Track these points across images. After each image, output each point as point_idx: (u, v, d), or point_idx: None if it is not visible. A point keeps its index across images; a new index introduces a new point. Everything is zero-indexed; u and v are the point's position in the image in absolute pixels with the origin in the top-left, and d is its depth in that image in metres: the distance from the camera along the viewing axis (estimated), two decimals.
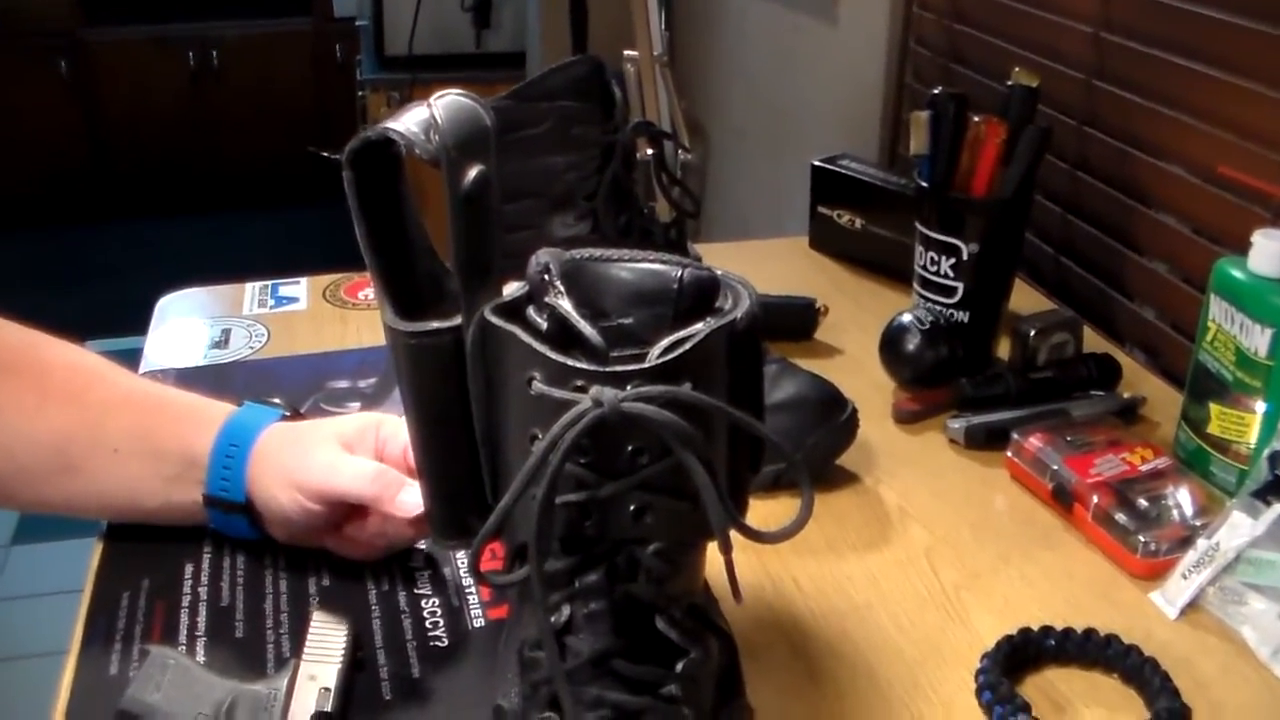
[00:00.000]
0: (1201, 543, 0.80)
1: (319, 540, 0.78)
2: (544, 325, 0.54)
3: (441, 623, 0.76)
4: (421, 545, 0.81)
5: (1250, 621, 0.77)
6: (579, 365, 0.51)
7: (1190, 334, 0.97)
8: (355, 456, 0.76)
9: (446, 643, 0.74)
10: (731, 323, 0.54)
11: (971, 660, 0.73)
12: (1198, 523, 0.84)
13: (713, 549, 0.55)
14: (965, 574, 0.83)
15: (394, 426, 0.79)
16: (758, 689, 0.65)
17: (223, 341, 1.14)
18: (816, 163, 1.35)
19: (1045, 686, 0.73)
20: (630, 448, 0.52)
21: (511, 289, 0.56)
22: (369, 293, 1.24)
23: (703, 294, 0.55)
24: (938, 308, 1.09)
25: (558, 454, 0.50)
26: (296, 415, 0.82)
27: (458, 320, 0.56)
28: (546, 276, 0.54)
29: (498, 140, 0.56)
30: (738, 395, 0.55)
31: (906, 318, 1.05)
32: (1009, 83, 1.08)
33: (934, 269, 1.08)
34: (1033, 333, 1.04)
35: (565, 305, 0.53)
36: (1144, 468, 0.88)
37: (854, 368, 1.09)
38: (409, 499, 0.74)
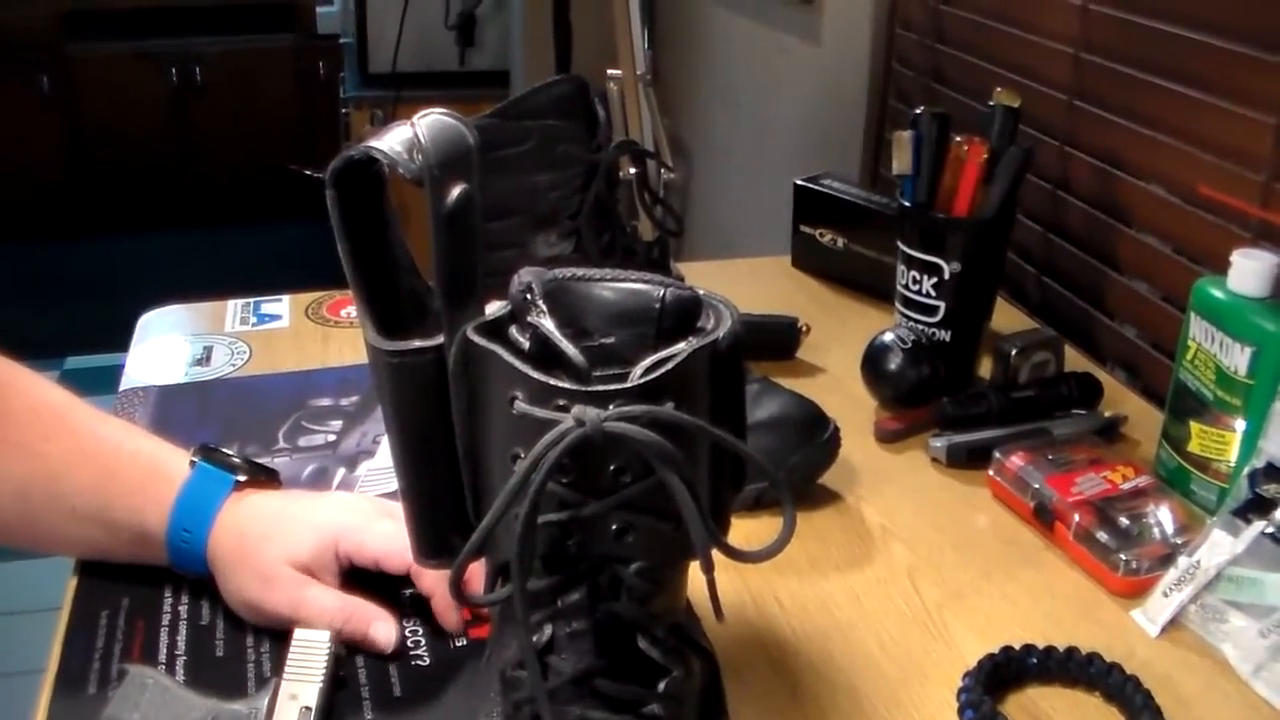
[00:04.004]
0: (1182, 561, 0.80)
1: None
2: (526, 344, 0.54)
3: (423, 641, 0.76)
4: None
5: (1231, 639, 0.77)
6: (561, 385, 0.51)
7: (1171, 353, 0.97)
8: (317, 589, 0.74)
9: (428, 661, 0.74)
10: (713, 342, 0.54)
11: (954, 679, 0.73)
12: (1178, 541, 0.84)
13: (695, 568, 0.55)
14: (947, 592, 0.83)
15: (354, 538, 0.75)
16: (740, 708, 0.65)
17: (204, 359, 1.13)
18: (799, 182, 1.35)
19: (1027, 705, 0.73)
20: (612, 467, 0.52)
21: (494, 308, 0.56)
22: (351, 311, 1.23)
23: (685, 313, 0.55)
24: (919, 327, 1.09)
25: (540, 473, 0.50)
26: (250, 473, 0.79)
27: (440, 339, 0.56)
28: (529, 296, 0.54)
29: (481, 159, 0.56)
30: (720, 415, 0.55)
31: (888, 337, 1.06)
32: (991, 103, 1.09)
33: (916, 288, 1.09)
34: (1014, 352, 1.05)
35: (547, 324, 0.53)
36: (1125, 486, 0.89)
37: (836, 387, 1.09)
38: (381, 634, 0.73)
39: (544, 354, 0.53)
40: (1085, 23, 1.19)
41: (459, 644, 0.76)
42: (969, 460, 0.97)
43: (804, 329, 1.16)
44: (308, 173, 3.33)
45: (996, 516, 0.92)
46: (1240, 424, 0.87)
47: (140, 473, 0.77)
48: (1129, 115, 1.14)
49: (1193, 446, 0.91)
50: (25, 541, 0.78)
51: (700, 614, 0.62)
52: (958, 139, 1.07)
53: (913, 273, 1.09)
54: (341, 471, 0.95)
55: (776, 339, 1.15)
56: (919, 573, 0.85)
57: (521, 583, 0.52)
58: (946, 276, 1.06)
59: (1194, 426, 0.91)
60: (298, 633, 0.71)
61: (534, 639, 0.54)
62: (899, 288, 1.11)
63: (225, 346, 1.16)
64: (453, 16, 3.05)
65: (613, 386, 0.51)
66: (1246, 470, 0.83)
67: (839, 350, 1.15)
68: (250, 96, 4.27)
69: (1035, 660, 0.74)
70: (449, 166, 0.55)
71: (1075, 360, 1.14)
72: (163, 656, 0.74)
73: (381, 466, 0.96)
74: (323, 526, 0.76)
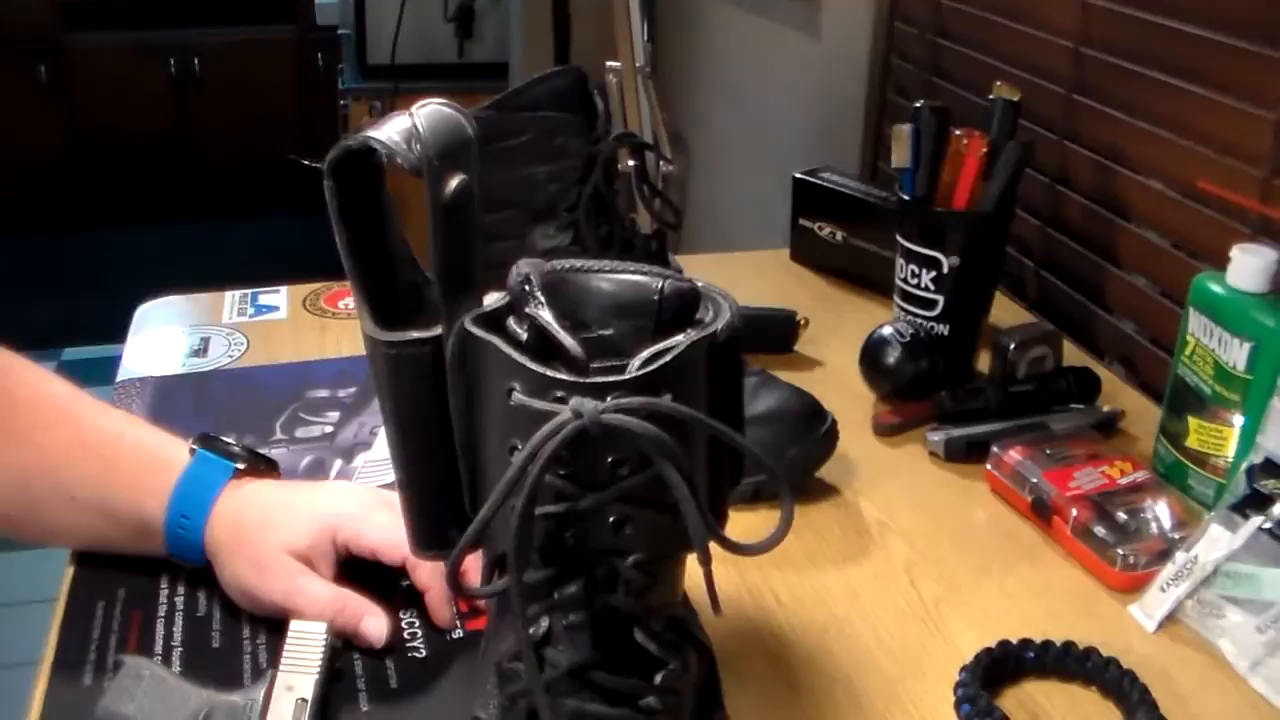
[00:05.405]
0: (1180, 556, 0.80)
1: None
2: (524, 336, 0.54)
3: (420, 634, 0.76)
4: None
5: (1228, 634, 0.77)
6: (559, 376, 0.51)
7: (1169, 348, 0.97)
8: (311, 579, 0.74)
9: (425, 654, 0.74)
10: (712, 335, 0.54)
11: (950, 673, 0.73)
12: (1176, 536, 0.84)
13: (692, 561, 0.55)
14: (945, 587, 0.83)
15: (353, 527, 0.75)
16: (736, 702, 0.65)
17: (202, 350, 1.13)
18: (798, 175, 1.35)
19: (1024, 699, 0.73)
20: (610, 459, 0.52)
21: (492, 299, 0.56)
22: (349, 302, 1.23)
23: (683, 306, 0.55)
24: (918, 320, 1.09)
25: (537, 465, 0.50)
26: (250, 461, 0.79)
27: (438, 330, 0.56)
28: (527, 287, 0.54)
29: (480, 150, 0.56)
30: (718, 407, 0.55)
31: (887, 330, 1.06)
32: (990, 97, 1.09)
33: (915, 282, 1.08)
34: (1012, 346, 1.05)
35: (546, 316, 0.53)
36: (1123, 481, 0.89)
37: (834, 380, 1.09)
38: (373, 628, 0.73)
39: (542, 345, 0.53)
40: (1085, 17, 1.19)
41: (455, 636, 0.76)
42: (967, 454, 0.97)
43: (802, 322, 1.15)
44: (306, 163, 3.33)
45: (994, 511, 0.92)
46: (1238, 419, 0.87)
47: (140, 462, 0.77)
48: (1129, 110, 1.13)
49: (1191, 442, 0.91)
50: (27, 532, 0.78)
51: (697, 607, 0.62)
52: (957, 133, 1.07)
53: (911, 266, 1.08)
54: (338, 463, 0.95)
55: (775, 332, 1.15)
56: (916, 567, 0.85)
57: (518, 575, 0.52)
58: (945, 270, 1.06)
59: (1192, 422, 0.90)
60: (294, 624, 0.71)
61: (531, 631, 0.54)
62: (898, 281, 1.11)
63: (223, 338, 1.16)
64: (451, 8, 3.05)
65: (611, 378, 0.51)
66: (1244, 466, 0.83)
67: (837, 344, 1.15)
68: (248, 88, 4.26)
69: (1032, 655, 0.74)
70: (448, 157, 0.55)
71: (1073, 355, 1.14)
72: (159, 647, 0.74)
73: (378, 458, 0.95)
74: (321, 515, 0.76)
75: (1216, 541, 0.79)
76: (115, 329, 1.22)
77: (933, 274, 1.07)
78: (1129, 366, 1.16)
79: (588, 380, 0.51)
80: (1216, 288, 0.88)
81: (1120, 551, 0.82)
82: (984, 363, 1.10)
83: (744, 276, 1.31)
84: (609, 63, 1.08)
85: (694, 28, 2.38)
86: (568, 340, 0.52)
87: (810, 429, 0.91)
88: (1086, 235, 1.21)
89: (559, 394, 0.51)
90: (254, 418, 1.01)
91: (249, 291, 1.26)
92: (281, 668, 0.68)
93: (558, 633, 0.55)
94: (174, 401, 1.03)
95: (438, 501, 0.59)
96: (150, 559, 0.78)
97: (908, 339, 1.04)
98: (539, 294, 0.54)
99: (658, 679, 0.55)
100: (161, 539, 0.76)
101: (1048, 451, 0.92)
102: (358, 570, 0.76)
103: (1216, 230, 1.01)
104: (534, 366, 0.51)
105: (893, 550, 0.87)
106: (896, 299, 1.12)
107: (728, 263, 1.44)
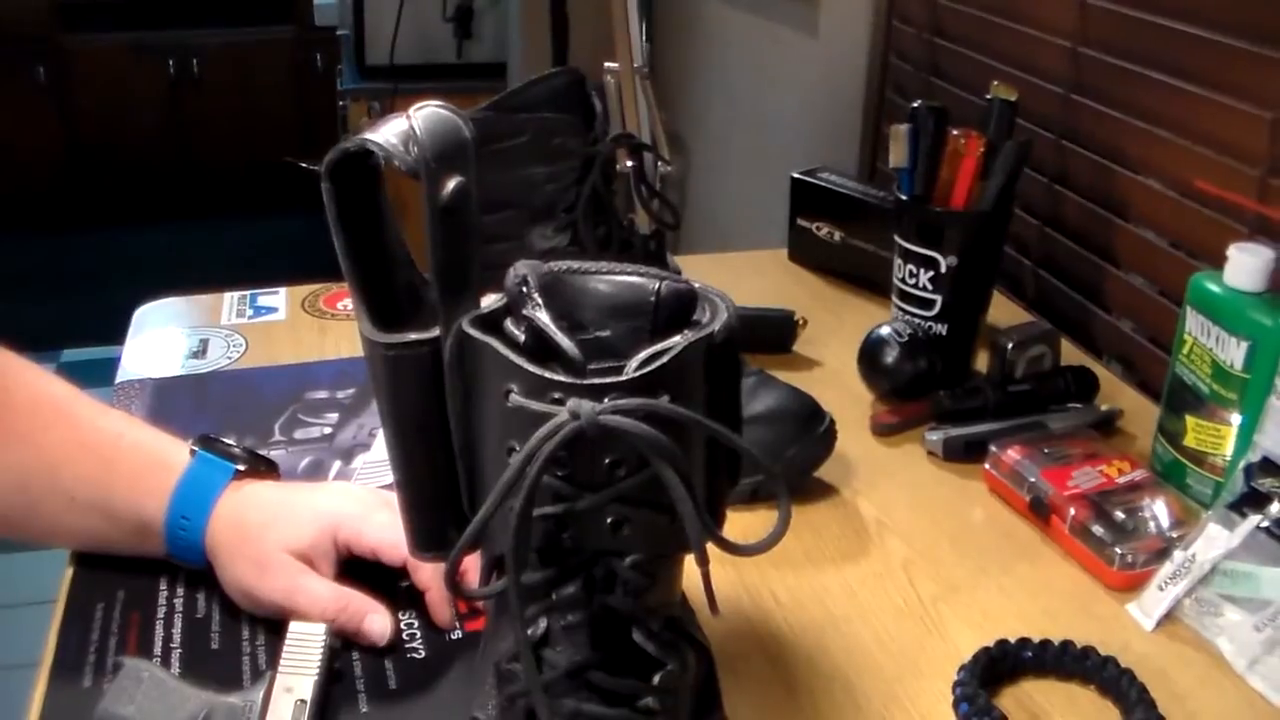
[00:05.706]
0: (1178, 555, 0.80)
1: None
2: (521, 337, 0.54)
3: (419, 634, 0.76)
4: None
5: (1226, 633, 0.77)
6: (556, 378, 0.51)
7: (1167, 347, 0.97)
8: (312, 578, 0.74)
9: (424, 654, 0.74)
10: (709, 335, 0.54)
11: (949, 672, 0.73)
12: (1174, 535, 0.84)
13: (690, 561, 0.55)
14: (943, 586, 0.83)
15: (353, 526, 0.75)
16: (735, 702, 0.65)
17: (200, 351, 1.13)
18: (796, 175, 1.35)
19: (1022, 698, 0.73)
20: (608, 460, 0.52)
21: (490, 301, 0.56)
22: (348, 303, 1.23)
23: (681, 307, 0.55)
24: (916, 320, 1.09)
25: (535, 466, 0.50)
26: (250, 463, 0.79)
27: (436, 332, 0.56)
28: (525, 288, 0.54)
29: (477, 151, 0.56)
30: (715, 408, 0.55)
31: (885, 330, 1.06)
32: (988, 96, 1.09)
33: (913, 281, 1.08)
34: (1010, 345, 1.05)
35: (543, 317, 0.53)
36: (1121, 480, 0.89)
37: (832, 380, 1.09)
38: (375, 627, 0.73)
39: (539, 347, 0.53)
40: (1083, 17, 1.19)
41: (454, 637, 0.76)
42: (965, 454, 0.97)
43: (800, 322, 1.16)
44: (304, 165, 3.33)
45: (992, 510, 0.92)
46: (1236, 418, 0.87)
47: (140, 463, 0.77)
48: (1126, 109, 1.14)
49: (1188, 440, 0.91)
50: (26, 533, 0.78)
51: (695, 607, 0.62)
52: (955, 132, 1.07)
53: (909, 266, 1.09)
54: (337, 464, 0.95)
55: (773, 332, 1.15)
56: (915, 566, 0.85)
57: (516, 576, 0.52)
58: (943, 270, 1.06)
59: (1190, 420, 0.91)
60: (293, 625, 0.71)
61: (529, 632, 0.54)
62: (895, 281, 1.11)
63: (221, 339, 1.16)
64: (450, 8, 3.05)
65: (608, 380, 0.51)
66: (1242, 464, 0.83)
67: (835, 344, 1.15)
68: (247, 89, 4.26)
69: (1030, 654, 0.74)
70: (445, 159, 0.55)
71: (1071, 354, 1.14)
72: (158, 649, 0.74)
73: (377, 459, 0.95)
74: (322, 514, 0.76)
75: (1214, 540, 0.79)
76: (114, 330, 1.22)
77: (931, 274, 1.07)
78: (1127, 365, 1.16)
79: (585, 382, 0.51)
80: (1214, 287, 0.88)
81: (1118, 550, 0.83)
82: (982, 362, 1.10)
83: (742, 277, 1.31)
84: (607, 63, 1.08)
85: (692, 28, 2.38)
86: (565, 342, 0.52)
87: (808, 429, 0.91)
88: (1084, 234, 1.22)
89: (556, 395, 0.51)
90: (253, 419, 1.01)
91: (248, 293, 1.26)
92: (280, 669, 0.68)
93: (556, 633, 0.55)
94: (173, 403, 1.04)
95: (436, 502, 0.60)
96: (150, 560, 0.78)
97: (906, 339, 1.04)
98: (536, 295, 0.54)
99: (656, 679, 0.55)
100: (161, 540, 0.76)
101: (1046, 451, 0.92)
102: (358, 570, 0.76)
103: (1214, 229, 1.01)
104: (531, 368, 0.52)
105: (891, 550, 0.87)
106: (894, 299, 1.12)
107: (726, 263, 1.44)
